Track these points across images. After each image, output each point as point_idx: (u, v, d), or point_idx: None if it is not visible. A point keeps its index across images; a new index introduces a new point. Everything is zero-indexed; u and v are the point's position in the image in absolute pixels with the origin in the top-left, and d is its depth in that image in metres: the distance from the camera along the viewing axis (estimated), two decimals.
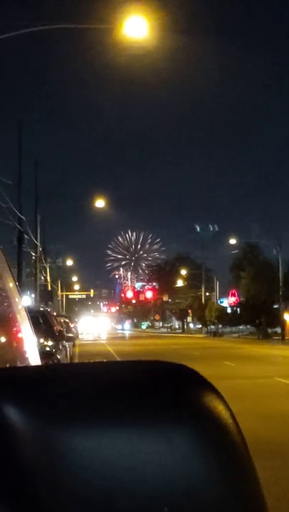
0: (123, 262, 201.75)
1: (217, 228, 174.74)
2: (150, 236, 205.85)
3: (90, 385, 0.51)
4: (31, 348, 1.84)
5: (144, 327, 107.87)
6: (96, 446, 0.46)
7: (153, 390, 0.51)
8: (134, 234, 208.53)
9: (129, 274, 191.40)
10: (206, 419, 0.49)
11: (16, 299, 1.82)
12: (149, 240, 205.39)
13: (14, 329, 1.67)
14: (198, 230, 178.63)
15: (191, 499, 0.46)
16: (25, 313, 1.91)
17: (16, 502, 0.46)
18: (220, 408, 0.50)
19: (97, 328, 79.52)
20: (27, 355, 1.74)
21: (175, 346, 39.96)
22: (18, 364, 1.60)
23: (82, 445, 0.46)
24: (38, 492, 0.46)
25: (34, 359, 1.83)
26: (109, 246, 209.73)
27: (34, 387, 0.51)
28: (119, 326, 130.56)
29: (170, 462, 0.46)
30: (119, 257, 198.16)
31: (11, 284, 1.78)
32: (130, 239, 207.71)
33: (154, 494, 0.46)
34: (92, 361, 0.59)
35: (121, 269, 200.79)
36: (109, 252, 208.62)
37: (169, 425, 0.48)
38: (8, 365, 1.50)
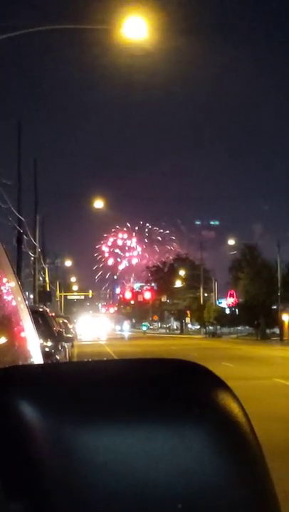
0: (119, 271, 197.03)
1: (218, 223, 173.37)
2: (160, 231, 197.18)
3: (103, 382, 0.51)
4: (34, 348, 1.82)
5: (145, 328, 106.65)
6: (110, 444, 0.46)
7: (167, 388, 0.50)
8: (137, 228, 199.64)
9: (132, 277, 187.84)
10: (221, 418, 0.49)
11: (19, 298, 1.80)
12: (159, 238, 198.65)
13: (17, 328, 1.65)
14: (198, 224, 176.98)
15: (205, 497, 0.46)
16: (27, 312, 1.89)
17: (28, 500, 0.46)
18: (234, 407, 0.50)
19: (97, 329, 78.62)
20: (30, 355, 1.72)
21: (174, 347, 39.93)
22: (21, 364, 1.58)
23: (96, 443, 0.46)
24: (51, 490, 0.46)
25: (37, 359, 1.81)
26: (98, 247, 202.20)
27: (48, 385, 0.51)
28: (118, 327, 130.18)
29: (184, 460, 0.46)
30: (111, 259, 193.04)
31: (13, 282, 1.76)
32: (130, 231, 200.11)
33: (168, 491, 0.46)
34: (106, 359, 0.59)
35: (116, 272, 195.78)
36: (98, 255, 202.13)
37: (184, 423, 0.48)
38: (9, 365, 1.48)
